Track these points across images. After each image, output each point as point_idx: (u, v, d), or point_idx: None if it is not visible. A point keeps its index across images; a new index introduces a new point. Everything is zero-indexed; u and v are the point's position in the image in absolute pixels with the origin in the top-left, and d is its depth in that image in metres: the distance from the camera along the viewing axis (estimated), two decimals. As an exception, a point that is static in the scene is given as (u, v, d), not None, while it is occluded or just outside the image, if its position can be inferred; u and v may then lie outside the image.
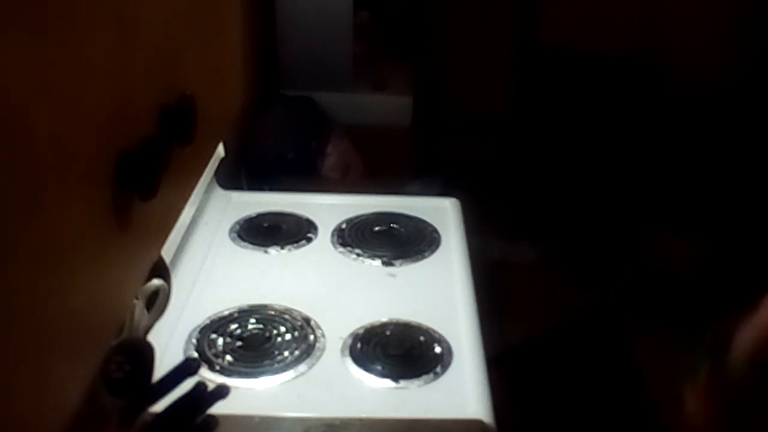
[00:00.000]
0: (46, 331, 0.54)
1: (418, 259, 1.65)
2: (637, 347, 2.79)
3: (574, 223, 3.36)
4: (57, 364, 0.56)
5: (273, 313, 1.45)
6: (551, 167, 3.55)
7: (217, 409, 1.02)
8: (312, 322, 1.42)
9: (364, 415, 1.22)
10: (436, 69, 3.64)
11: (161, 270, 1.30)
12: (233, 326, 1.41)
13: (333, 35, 2.75)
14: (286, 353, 1.34)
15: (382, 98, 2.85)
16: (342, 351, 1.36)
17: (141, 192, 0.67)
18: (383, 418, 1.22)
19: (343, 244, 1.69)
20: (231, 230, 1.73)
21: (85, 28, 0.59)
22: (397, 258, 1.64)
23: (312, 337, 1.38)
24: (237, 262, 1.63)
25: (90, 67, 0.60)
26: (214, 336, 1.38)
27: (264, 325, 1.41)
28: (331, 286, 1.56)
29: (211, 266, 1.60)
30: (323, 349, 1.36)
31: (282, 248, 1.68)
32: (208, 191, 1.78)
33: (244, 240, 1.70)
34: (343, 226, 1.76)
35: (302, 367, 1.32)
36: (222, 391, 1.02)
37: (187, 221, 1.60)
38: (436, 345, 1.37)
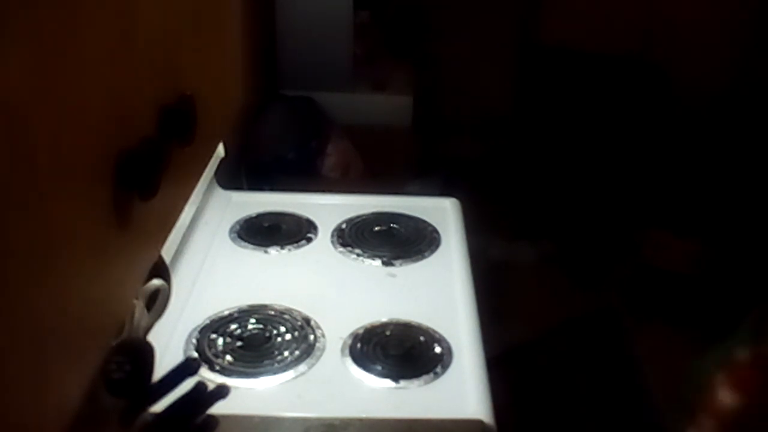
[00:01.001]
0: (47, 331, 0.54)
1: (418, 259, 1.65)
2: (637, 347, 2.79)
3: (574, 223, 3.36)
4: (57, 364, 0.56)
5: (273, 313, 1.45)
6: (551, 167, 3.55)
7: (217, 409, 1.02)
8: (312, 322, 1.42)
9: (364, 415, 1.22)
10: (436, 69, 3.64)
11: (161, 270, 1.30)
12: (233, 326, 1.41)
13: (333, 35, 2.75)
14: (286, 353, 1.34)
15: (382, 98, 2.85)
16: (342, 351, 1.36)
17: (141, 192, 0.67)
18: (383, 418, 1.22)
19: (343, 244, 1.69)
20: (231, 230, 1.73)
21: (85, 29, 0.59)
22: (397, 258, 1.64)
23: (312, 337, 1.38)
24: (237, 262, 1.63)
25: (90, 67, 0.60)
26: (214, 336, 1.38)
27: (264, 325, 1.41)
28: (331, 286, 1.56)
29: (211, 266, 1.60)
30: (323, 349, 1.36)
31: (282, 248, 1.68)
32: (208, 191, 1.78)
33: (244, 240, 1.70)
34: (343, 226, 1.76)
35: (302, 367, 1.32)
36: (222, 391, 1.02)
37: (187, 221, 1.60)
38: (436, 345, 1.37)
